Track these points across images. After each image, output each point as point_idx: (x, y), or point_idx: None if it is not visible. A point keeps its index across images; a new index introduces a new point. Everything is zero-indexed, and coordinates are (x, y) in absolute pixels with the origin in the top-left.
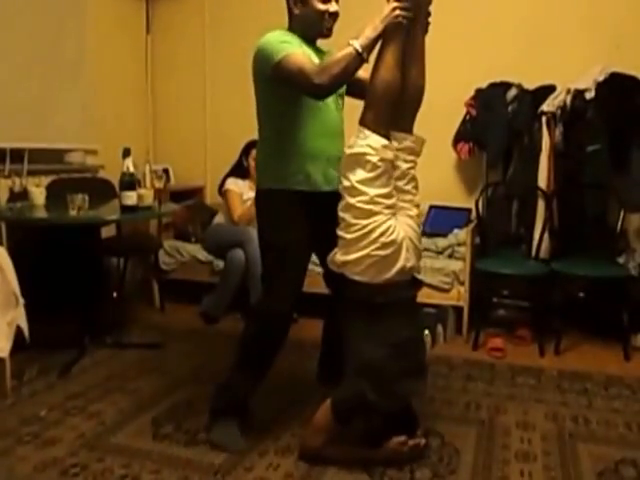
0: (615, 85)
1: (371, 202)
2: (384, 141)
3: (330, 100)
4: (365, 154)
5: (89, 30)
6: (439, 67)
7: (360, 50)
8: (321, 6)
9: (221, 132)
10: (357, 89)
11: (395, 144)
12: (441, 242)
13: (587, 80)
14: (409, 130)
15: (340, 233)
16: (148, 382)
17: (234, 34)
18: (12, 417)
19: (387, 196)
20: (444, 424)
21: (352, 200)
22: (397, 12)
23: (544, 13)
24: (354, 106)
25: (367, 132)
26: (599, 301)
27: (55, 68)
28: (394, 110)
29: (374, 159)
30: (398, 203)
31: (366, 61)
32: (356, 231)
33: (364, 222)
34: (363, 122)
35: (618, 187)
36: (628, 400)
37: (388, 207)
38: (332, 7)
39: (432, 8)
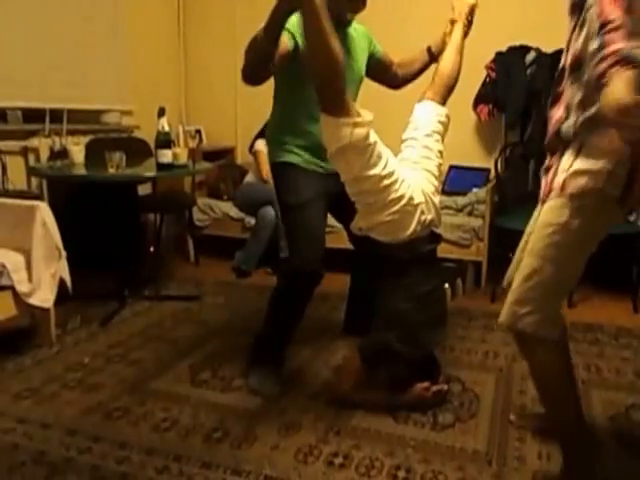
0: None
1: (380, 180)
2: (353, 119)
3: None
4: (349, 144)
5: None
6: None
7: (261, 32)
8: None
9: (251, 94)
10: (381, 73)
11: (368, 117)
12: (461, 200)
13: None
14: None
15: (359, 207)
16: (185, 332)
17: None
18: (58, 364)
19: (387, 164)
20: (464, 371)
21: (364, 187)
22: None
23: None
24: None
25: (338, 120)
26: (610, 256)
27: (91, 30)
28: (342, 84)
29: (359, 144)
30: (418, 159)
31: (271, 40)
32: (375, 203)
33: (382, 196)
34: (325, 110)
35: None
36: (637, 350)
37: (393, 173)
38: None
39: None
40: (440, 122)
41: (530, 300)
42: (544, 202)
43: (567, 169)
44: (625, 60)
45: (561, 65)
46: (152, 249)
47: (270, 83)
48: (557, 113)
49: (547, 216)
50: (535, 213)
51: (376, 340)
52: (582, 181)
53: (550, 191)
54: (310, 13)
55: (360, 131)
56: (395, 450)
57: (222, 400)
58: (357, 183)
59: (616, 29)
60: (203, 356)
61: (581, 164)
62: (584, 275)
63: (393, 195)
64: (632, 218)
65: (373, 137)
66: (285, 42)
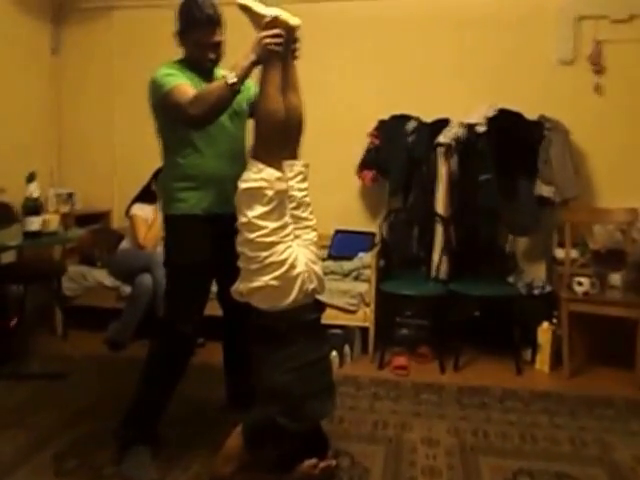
0: (503, 120)
1: (270, 235)
2: (278, 173)
3: (227, 123)
4: (261, 188)
5: None
6: (345, 100)
7: (231, 81)
8: (200, 38)
9: (130, 156)
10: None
11: (287, 173)
12: (347, 265)
13: (478, 115)
14: (296, 156)
15: (241, 265)
16: (48, 415)
17: (143, 56)
18: None
19: (284, 226)
20: (353, 444)
21: (251, 235)
22: (266, 40)
23: (439, 53)
24: None
25: (260, 165)
26: (493, 319)
27: None
28: (282, 139)
29: (269, 192)
30: (296, 231)
31: (239, 91)
32: (256, 263)
33: (264, 254)
34: (254, 155)
35: (507, 213)
36: (521, 412)
37: (286, 235)
38: (211, 39)
39: (300, 34)
40: (301, 183)
41: None
42: None
43: None
44: None
45: None
46: (13, 322)
47: (147, 143)
48: None
49: None
50: None
51: (259, 417)
52: None
53: None
54: (273, 68)
55: (281, 185)
56: None
57: None
58: (248, 230)
59: None
60: (69, 442)
61: None
62: (469, 338)
63: (275, 258)
64: (512, 280)
65: (286, 201)
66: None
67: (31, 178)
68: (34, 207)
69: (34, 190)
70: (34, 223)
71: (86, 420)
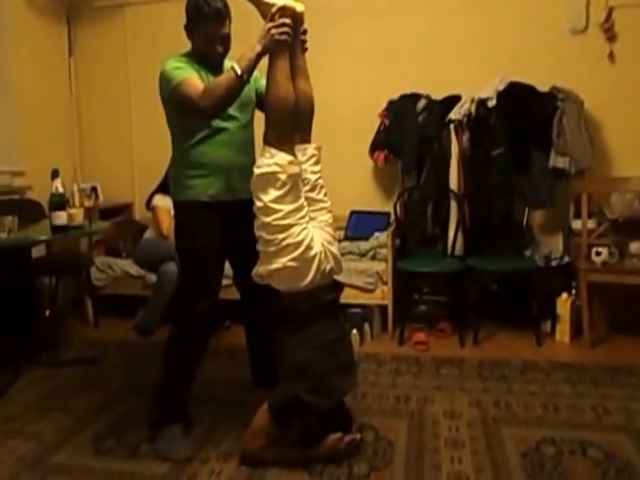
0: (514, 93)
1: (285, 217)
2: (290, 157)
3: (235, 113)
4: (274, 173)
5: (12, 53)
6: (354, 82)
7: (240, 72)
8: (208, 32)
9: (148, 148)
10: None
11: (300, 157)
12: (363, 245)
13: (489, 89)
14: (308, 140)
15: (260, 248)
16: (86, 399)
17: (157, 51)
18: None
19: (299, 209)
20: (377, 418)
21: (267, 219)
22: (273, 31)
23: (448, 30)
24: None
25: (273, 151)
26: (511, 292)
27: None
28: (293, 124)
29: (283, 176)
30: (311, 213)
31: (247, 82)
32: (274, 245)
33: (281, 236)
34: (267, 141)
35: (521, 187)
36: (543, 383)
37: (301, 217)
38: (219, 32)
39: (307, 25)
40: (314, 166)
41: None
42: None
43: None
44: None
45: None
46: (48, 313)
47: (164, 136)
48: None
49: None
50: None
51: (285, 394)
52: None
53: None
54: (281, 56)
55: (294, 168)
56: None
57: (129, 468)
58: (264, 214)
59: None
60: (106, 423)
61: None
62: (487, 312)
63: (291, 239)
64: (528, 253)
65: (300, 184)
66: (200, 82)
67: (55, 174)
68: (60, 202)
69: (59, 185)
70: (61, 217)
71: (121, 401)
